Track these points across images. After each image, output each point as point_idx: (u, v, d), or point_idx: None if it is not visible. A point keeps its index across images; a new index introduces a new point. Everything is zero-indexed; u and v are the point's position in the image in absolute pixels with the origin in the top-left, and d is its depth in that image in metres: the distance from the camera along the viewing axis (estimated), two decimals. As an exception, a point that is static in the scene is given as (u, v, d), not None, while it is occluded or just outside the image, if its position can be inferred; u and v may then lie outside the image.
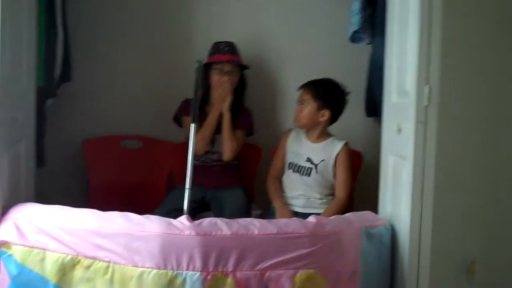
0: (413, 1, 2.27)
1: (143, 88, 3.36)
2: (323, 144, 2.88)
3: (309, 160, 2.86)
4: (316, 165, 2.84)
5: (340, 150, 2.83)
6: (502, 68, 2.35)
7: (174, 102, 3.09)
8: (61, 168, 3.23)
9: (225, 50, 3.01)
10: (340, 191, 2.82)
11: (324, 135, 2.90)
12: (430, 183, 2.24)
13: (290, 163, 2.90)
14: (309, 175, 2.84)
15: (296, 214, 2.72)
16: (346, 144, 2.86)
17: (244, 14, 3.38)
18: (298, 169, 2.87)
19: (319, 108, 2.84)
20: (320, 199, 2.83)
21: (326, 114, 2.84)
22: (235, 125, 2.99)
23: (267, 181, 2.95)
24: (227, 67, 2.99)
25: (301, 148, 2.90)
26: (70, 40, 3.06)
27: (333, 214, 2.58)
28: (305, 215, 2.49)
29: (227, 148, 2.95)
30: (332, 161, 2.84)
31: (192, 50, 3.28)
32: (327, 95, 2.85)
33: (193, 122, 2.53)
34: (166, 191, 3.15)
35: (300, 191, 2.84)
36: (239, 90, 3.08)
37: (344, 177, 2.83)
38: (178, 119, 3.09)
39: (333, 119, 2.89)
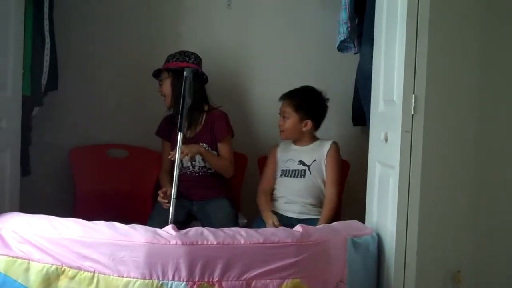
0: (400, 12, 2.28)
1: (130, 97, 3.36)
2: (311, 146, 2.93)
3: (301, 162, 2.89)
4: (309, 166, 2.88)
5: (330, 148, 2.89)
6: (487, 77, 2.37)
7: (161, 111, 3.08)
8: (47, 177, 3.22)
9: (167, 61, 3.00)
10: (330, 189, 2.83)
11: (311, 139, 2.96)
12: (416, 192, 2.25)
13: (282, 171, 2.92)
14: (303, 177, 2.86)
15: (292, 220, 2.72)
16: (334, 143, 2.91)
17: (232, 22, 3.40)
18: (291, 173, 2.89)
19: (301, 119, 2.89)
20: (314, 205, 2.84)
21: (308, 124, 2.90)
22: (213, 138, 2.95)
23: (257, 195, 2.93)
24: (162, 75, 3.00)
25: (291, 154, 2.93)
26: (57, 49, 3.05)
27: (330, 217, 2.72)
28: (300, 221, 2.55)
29: (224, 172, 2.97)
30: (323, 160, 2.88)
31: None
32: (308, 105, 2.90)
33: (179, 130, 2.52)
34: (153, 201, 3.13)
35: (294, 195, 2.85)
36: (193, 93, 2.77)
37: (335, 174, 2.86)
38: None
39: (316, 126, 2.95)
